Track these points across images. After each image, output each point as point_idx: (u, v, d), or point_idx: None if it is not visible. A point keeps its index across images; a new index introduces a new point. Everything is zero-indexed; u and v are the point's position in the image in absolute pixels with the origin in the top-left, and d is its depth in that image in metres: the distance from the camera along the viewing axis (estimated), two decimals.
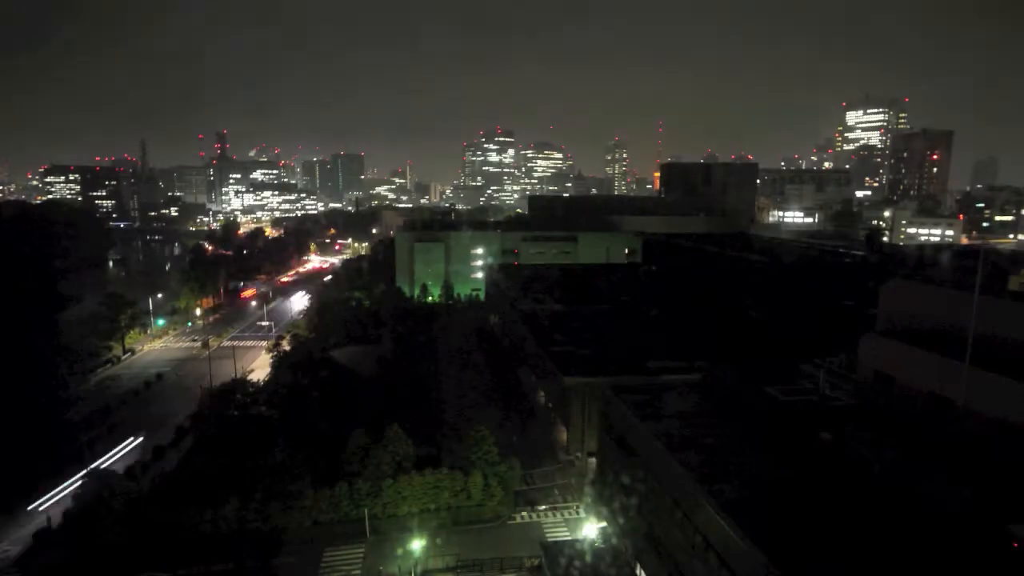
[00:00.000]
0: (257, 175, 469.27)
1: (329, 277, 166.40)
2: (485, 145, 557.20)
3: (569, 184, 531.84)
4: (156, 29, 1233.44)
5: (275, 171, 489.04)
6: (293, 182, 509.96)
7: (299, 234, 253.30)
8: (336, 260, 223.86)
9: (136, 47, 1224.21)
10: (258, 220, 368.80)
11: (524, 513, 50.31)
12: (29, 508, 53.87)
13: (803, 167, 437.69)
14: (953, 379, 31.63)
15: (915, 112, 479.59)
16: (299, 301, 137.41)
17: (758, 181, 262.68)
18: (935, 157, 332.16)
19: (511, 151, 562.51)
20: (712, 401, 39.52)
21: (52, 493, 56.13)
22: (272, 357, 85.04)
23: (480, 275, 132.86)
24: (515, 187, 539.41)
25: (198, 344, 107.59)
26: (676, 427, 34.76)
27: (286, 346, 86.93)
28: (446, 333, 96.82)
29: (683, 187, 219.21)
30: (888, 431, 33.16)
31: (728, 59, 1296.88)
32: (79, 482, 58.12)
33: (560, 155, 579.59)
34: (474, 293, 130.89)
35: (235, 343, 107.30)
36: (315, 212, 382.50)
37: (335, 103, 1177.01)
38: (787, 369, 45.45)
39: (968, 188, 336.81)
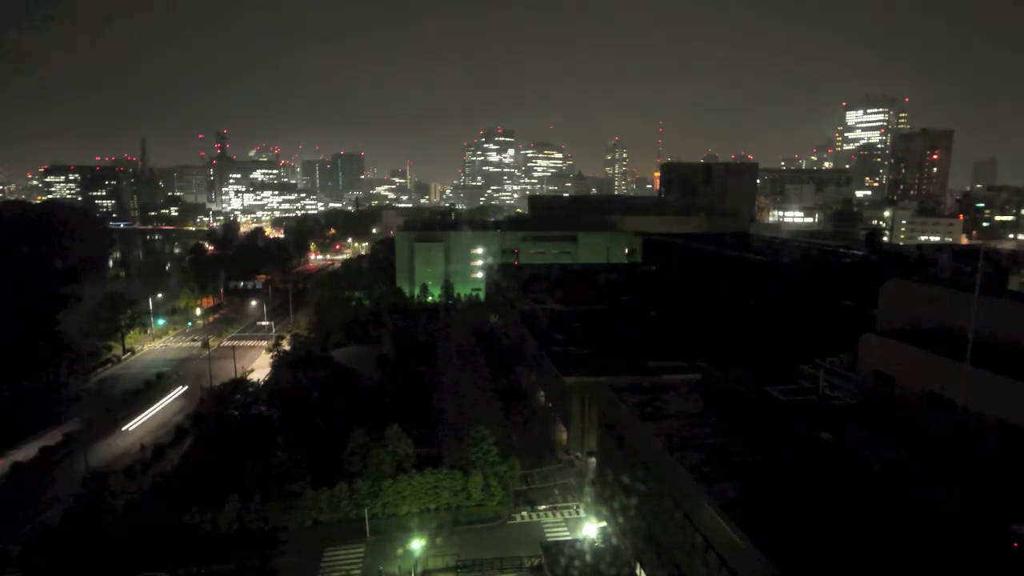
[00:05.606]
0: (257, 175, 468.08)
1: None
2: (485, 145, 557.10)
3: (569, 184, 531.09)
4: (155, 28, 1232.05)
5: (275, 171, 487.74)
6: (293, 182, 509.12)
7: (299, 234, 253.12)
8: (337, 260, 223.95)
9: (135, 46, 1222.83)
10: (258, 220, 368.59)
11: (524, 513, 50.28)
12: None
13: (803, 167, 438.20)
14: (953, 379, 31.64)
15: (915, 112, 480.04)
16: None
17: (758, 181, 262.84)
18: (935, 157, 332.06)
19: (511, 151, 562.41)
20: (712, 401, 39.50)
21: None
22: (272, 357, 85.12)
23: (480, 275, 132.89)
24: (515, 187, 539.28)
25: (198, 344, 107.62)
26: (676, 427, 34.76)
27: (286, 346, 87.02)
28: (446, 333, 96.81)
29: (683, 187, 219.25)
30: (888, 431, 33.15)
31: (728, 59, 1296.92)
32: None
33: (560, 155, 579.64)
34: (474, 293, 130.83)
35: (235, 343, 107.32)
36: (315, 212, 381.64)
37: (335, 103, 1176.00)
38: (787, 369, 45.41)
39: (968, 188, 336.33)
